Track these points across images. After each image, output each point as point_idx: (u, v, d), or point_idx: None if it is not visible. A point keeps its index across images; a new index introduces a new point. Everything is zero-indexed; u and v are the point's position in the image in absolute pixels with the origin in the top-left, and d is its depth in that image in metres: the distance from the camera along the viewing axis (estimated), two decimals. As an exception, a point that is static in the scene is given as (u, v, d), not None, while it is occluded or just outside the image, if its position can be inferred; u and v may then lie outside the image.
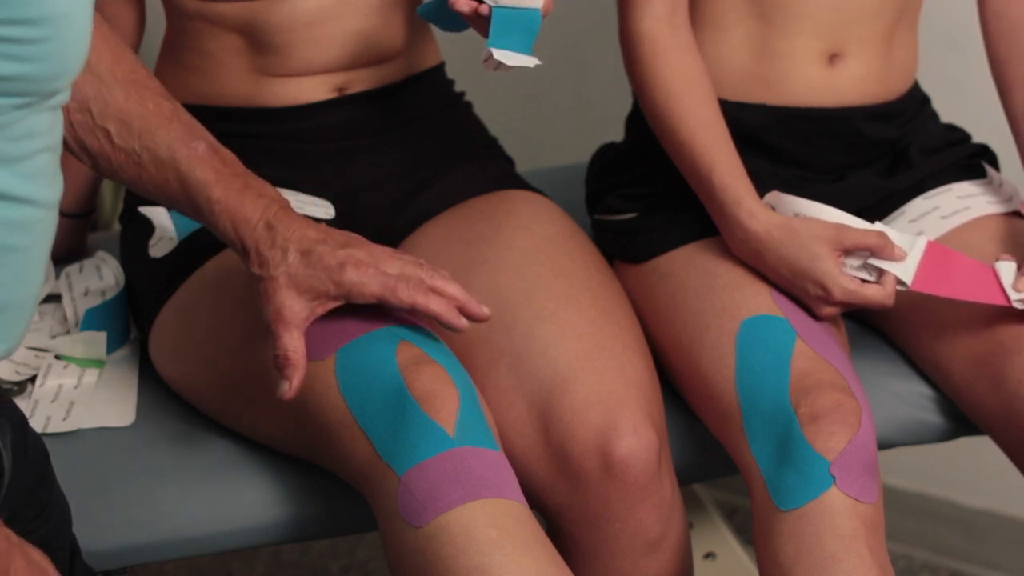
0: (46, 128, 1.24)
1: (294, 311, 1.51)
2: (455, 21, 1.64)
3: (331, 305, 1.52)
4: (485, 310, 1.55)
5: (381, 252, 1.53)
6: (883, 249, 1.68)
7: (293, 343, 1.50)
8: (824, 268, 1.67)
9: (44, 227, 1.26)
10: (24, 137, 1.22)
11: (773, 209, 1.72)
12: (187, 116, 1.55)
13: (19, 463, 1.34)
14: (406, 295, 1.52)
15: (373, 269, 1.52)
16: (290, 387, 1.50)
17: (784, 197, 1.73)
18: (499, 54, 1.55)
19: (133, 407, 1.73)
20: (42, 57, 1.20)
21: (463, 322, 1.54)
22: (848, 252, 1.69)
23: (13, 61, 1.19)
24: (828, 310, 1.69)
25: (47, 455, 1.42)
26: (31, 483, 1.36)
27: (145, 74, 1.56)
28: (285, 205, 1.53)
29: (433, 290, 1.53)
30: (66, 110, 1.50)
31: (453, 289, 1.54)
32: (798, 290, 1.69)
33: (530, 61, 1.57)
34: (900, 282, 1.69)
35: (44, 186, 1.24)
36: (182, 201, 1.53)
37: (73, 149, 1.53)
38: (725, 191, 1.71)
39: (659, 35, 1.75)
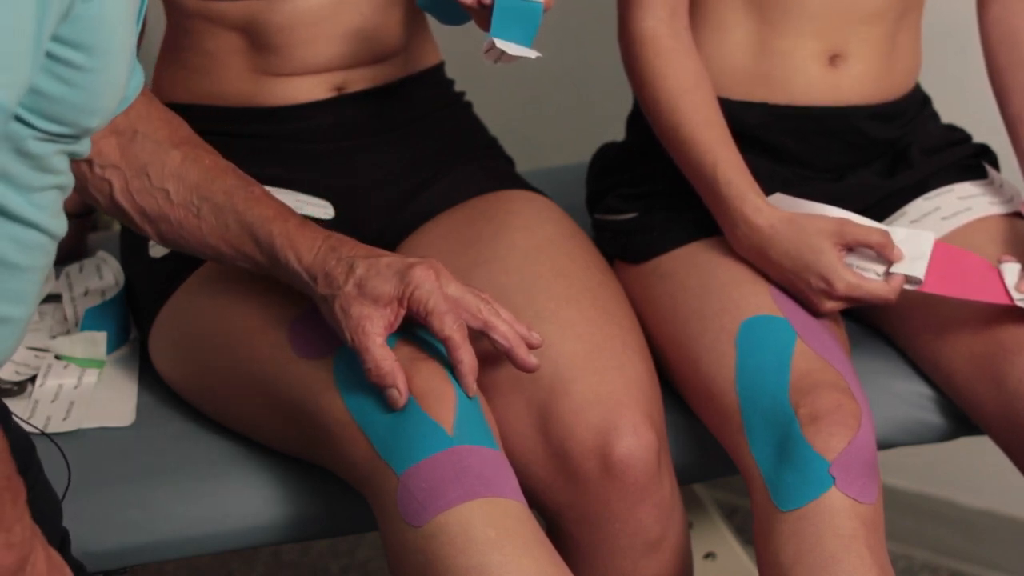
0: (62, 168, 1.31)
1: (373, 321, 1.49)
2: (455, 13, 1.63)
3: (402, 313, 1.50)
4: (533, 360, 1.53)
5: (448, 272, 1.53)
6: (884, 248, 1.68)
7: (381, 351, 1.48)
8: (827, 261, 1.68)
9: (45, 254, 1.32)
10: (45, 171, 1.29)
11: (774, 210, 1.73)
12: (241, 172, 1.58)
13: None
14: (450, 326, 1.50)
15: (437, 281, 1.50)
16: (400, 393, 1.48)
17: (788, 199, 1.73)
18: (502, 44, 1.55)
19: (133, 407, 1.73)
20: (87, 86, 1.26)
21: (473, 387, 1.52)
22: (850, 248, 1.69)
23: (61, 83, 1.23)
24: (830, 305, 1.69)
25: (32, 449, 1.43)
26: None
27: (200, 139, 1.60)
28: (343, 237, 1.54)
29: (486, 325, 1.52)
30: (124, 179, 1.56)
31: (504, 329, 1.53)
32: (801, 283, 1.69)
33: (531, 53, 1.57)
34: (911, 280, 1.69)
35: (50, 217, 1.30)
36: (242, 243, 1.55)
37: (132, 218, 1.58)
38: (729, 186, 1.71)
39: (660, 36, 1.75)
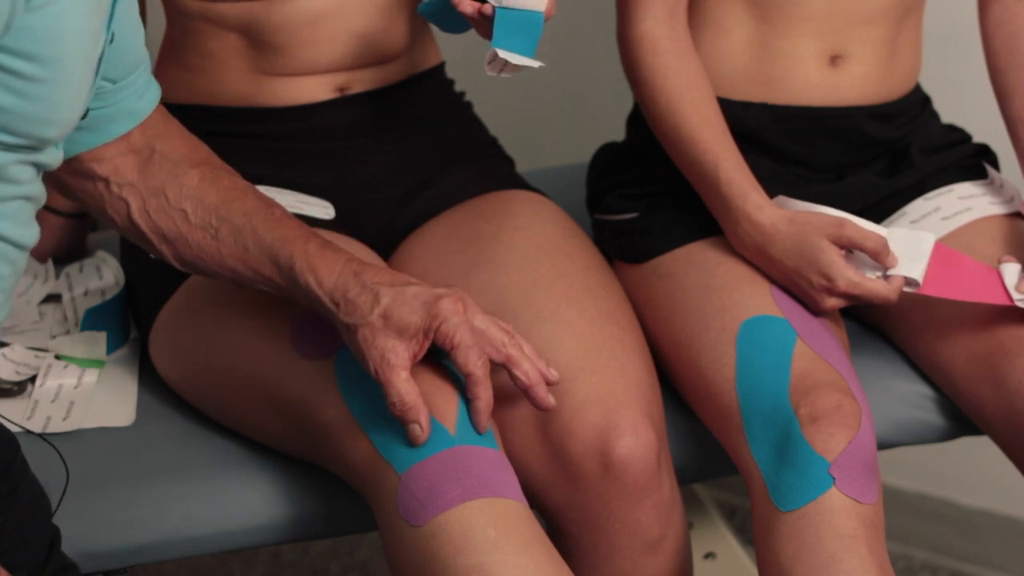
0: (27, 179, 1.31)
1: (398, 353, 1.46)
2: (456, 21, 1.63)
3: (427, 344, 1.48)
4: (550, 400, 1.51)
5: (475, 303, 1.50)
6: (879, 255, 1.68)
7: (405, 386, 1.46)
8: (828, 259, 1.67)
9: (10, 263, 1.32)
10: (5, 181, 1.28)
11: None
12: (261, 192, 1.56)
13: None
14: (474, 362, 1.47)
15: (464, 314, 1.47)
16: (421, 429, 1.46)
17: (792, 201, 1.73)
18: (504, 54, 1.55)
19: (133, 407, 1.73)
20: (39, 97, 1.26)
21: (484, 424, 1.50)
22: (847, 250, 1.69)
23: (9, 93, 1.23)
24: (832, 302, 1.69)
25: (16, 447, 1.43)
26: None
27: (219, 160, 1.58)
28: (365, 261, 1.51)
29: (509, 360, 1.49)
30: (141, 198, 1.54)
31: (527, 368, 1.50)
32: (803, 282, 1.69)
33: (533, 62, 1.57)
34: (910, 282, 1.69)
35: (15, 227, 1.30)
36: (262, 265, 1.52)
37: (150, 239, 1.55)
38: (731, 185, 1.71)
39: (659, 37, 1.75)
